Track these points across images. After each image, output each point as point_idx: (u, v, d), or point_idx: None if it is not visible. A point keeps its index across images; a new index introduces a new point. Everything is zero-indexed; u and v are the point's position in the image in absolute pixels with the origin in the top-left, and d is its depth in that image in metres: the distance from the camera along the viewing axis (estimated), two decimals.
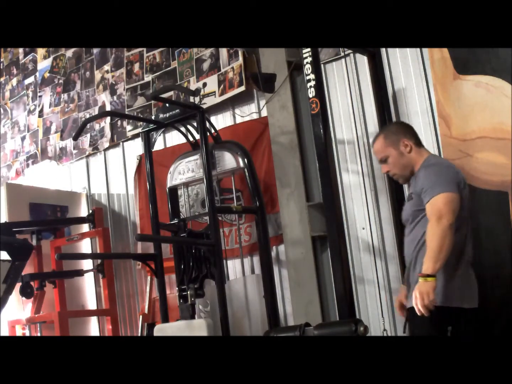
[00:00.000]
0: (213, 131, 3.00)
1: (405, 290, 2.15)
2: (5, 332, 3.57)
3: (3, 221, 3.58)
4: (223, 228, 3.28)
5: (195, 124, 2.92)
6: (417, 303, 1.85)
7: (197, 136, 2.95)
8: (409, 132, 2.18)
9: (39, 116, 4.58)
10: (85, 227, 3.93)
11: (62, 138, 4.39)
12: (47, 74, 4.57)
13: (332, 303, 2.82)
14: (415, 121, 2.77)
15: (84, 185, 4.20)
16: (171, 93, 3.65)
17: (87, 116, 4.13)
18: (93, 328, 3.94)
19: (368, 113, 2.89)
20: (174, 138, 3.62)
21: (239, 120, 3.45)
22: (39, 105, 4.59)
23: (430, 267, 1.83)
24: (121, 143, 4.01)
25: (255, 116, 3.38)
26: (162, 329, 2.75)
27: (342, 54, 2.97)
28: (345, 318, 2.08)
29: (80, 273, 3.76)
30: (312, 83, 2.22)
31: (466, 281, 2.00)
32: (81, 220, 3.89)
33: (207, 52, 3.60)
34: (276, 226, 3.19)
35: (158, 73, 3.85)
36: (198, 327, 2.57)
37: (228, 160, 2.98)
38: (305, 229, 2.93)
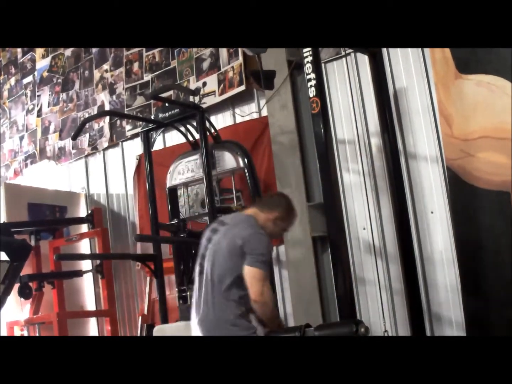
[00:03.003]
0: (213, 130, 2.99)
1: None
2: (4, 333, 3.55)
3: (1, 221, 3.56)
4: None
5: (194, 123, 2.91)
6: None
7: (197, 136, 2.94)
8: None
9: (38, 116, 4.56)
10: (84, 228, 3.91)
11: (61, 138, 4.37)
12: (45, 74, 4.55)
13: (332, 303, 2.80)
14: (416, 121, 2.76)
15: (83, 185, 4.19)
16: (170, 92, 3.64)
17: (86, 115, 4.12)
18: (92, 329, 3.93)
19: (369, 113, 2.88)
20: (174, 138, 3.61)
21: (239, 119, 3.44)
22: (37, 105, 4.57)
23: None
24: (120, 143, 4.00)
25: (255, 115, 3.36)
26: (161, 330, 2.73)
27: (343, 53, 2.96)
28: (345, 319, 2.07)
29: (79, 273, 3.74)
30: (313, 82, 2.21)
31: None
32: (80, 221, 3.88)
33: (207, 51, 3.59)
34: None
35: (157, 72, 3.84)
36: None
37: (228, 160, 2.97)
38: (306, 229, 2.91)
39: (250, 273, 2.00)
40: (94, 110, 4.16)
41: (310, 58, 2.24)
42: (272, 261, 2.09)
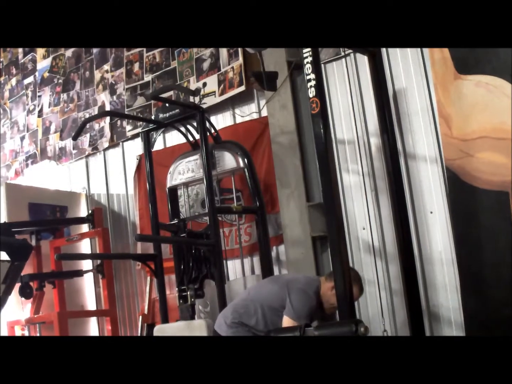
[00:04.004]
0: (213, 131, 3.00)
1: None
2: (4, 333, 3.56)
3: (2, 221, 3.57)
4: (223, 228, 3.27)
5: (195, 124, 2.92)
6: None
7: (197, 136, 2.95)
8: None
9: (39, 116, 4.57)
10: (84, 227, 3.92)
11: (61, 138, 4.38)
12: (46, 74, 4.56)
13: None
14: (415, 121, 2.77)
15: (84, 185, 4.20)
16: (171, 93, 3.65)
17: (87, 116, 4.13)
18: (92, 328, 3.94)
19: (369, 113, 2.89)
20: (174, 138, 3.62)
21: (239, 120, 3.44)
22: (38, 105, 4.58)
23: None
24: (120, 143, 4.01)
25: (255, 116, 3.37)
26: (162, 330, 2.74)
27: (343, 54, 2.97)
28: (345, 319, 2.07)
29: (80, 273, 3.75)
30: (312, 83, 2.21)
31: None
32: (81, 220, 3.88)
33: (207, 51, 3.59)
34: (276, 226, 3.18)
35: (158, 72, 3.85)
36: (198, 328, 2.57)
37: (228, 160, 2.98)
38: (305, 229, 2.92)
39: (283, 320, 2.22)
40: (94, 111, 4.17)
41: (309, 59, 2.23)
42: (310, 315, 2.25)
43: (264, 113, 3.24)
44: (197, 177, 3.03)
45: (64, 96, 4.41)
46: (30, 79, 4.68)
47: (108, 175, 4.09)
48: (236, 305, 2.34)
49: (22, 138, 4.68)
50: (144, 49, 3.93)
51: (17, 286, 3.32)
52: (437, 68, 2.54)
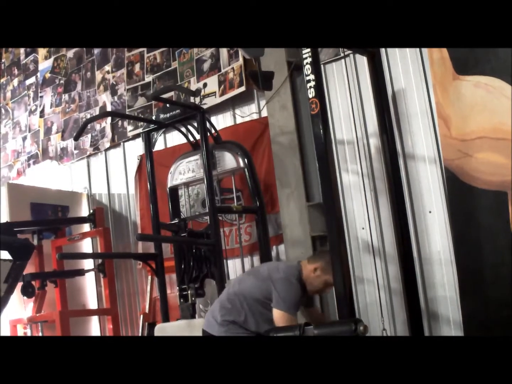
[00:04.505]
0: (213, 131, 3.01)
1: None
2: (7, 332, 3.58)
3: (4, 221, 3.59)
4: (224, 228, 3.28)
5: (195, 124, 2.94)
6: None
7: (198, 136, 2.97)
8: None
9: (40, 117, 4.59)
10: (86, 227, 3.94)
11: (63, 138, 4.40)
12: (48, 75, 4.58)
13: (332, 302, 2.82)
14: (414, 122, 2.78)
15: (85, 185, 4.22)
16: (171, 93, 3.66)
17: (88, 116, 4.15)
18: (94, 327, 3.96)
19: (368, 114, 2.89)
20: (175, 138, 3.63)
21: (239, 120, 3.45)
22: (40, 106, 4.60)
23: None
24: (121, 143, 4.03)
25: (255, 116, 3.38)
26: (162, 329, 2.76)
27: (342, 54, 2.97)
28: (344, 318, 2.08)
29: (81, 272, 3.77)
30: (312, 83, 2.22)
31: None
32: (82, 220, 3.90)
33: (207, 52, 3.60)
34: (276, 226, 3.19)
35: (158, 73, 3.86)
36: (198, 327, 2.58)
37: (229, 160, 2.99)
38: (305, 229, 2.93)
39: (274, 313, 2.21)
40: (96, 111, 4.18)
41: (309, 59, 2.24)
42: (298, 303, 2.26)
43: (264, 113, 3.24)
44: (198, 177, 3.04)
45: (65, 96, 4.43)
46: (32, 80, 4.70)
47: (109, 175, 4.11)
48: (222, 301, 2.34)
49: (24, 139, 4.70)
50: (145, 50, 3.94)
51: (19, 285, 3.34)
52: (436, 69, 2.55)
